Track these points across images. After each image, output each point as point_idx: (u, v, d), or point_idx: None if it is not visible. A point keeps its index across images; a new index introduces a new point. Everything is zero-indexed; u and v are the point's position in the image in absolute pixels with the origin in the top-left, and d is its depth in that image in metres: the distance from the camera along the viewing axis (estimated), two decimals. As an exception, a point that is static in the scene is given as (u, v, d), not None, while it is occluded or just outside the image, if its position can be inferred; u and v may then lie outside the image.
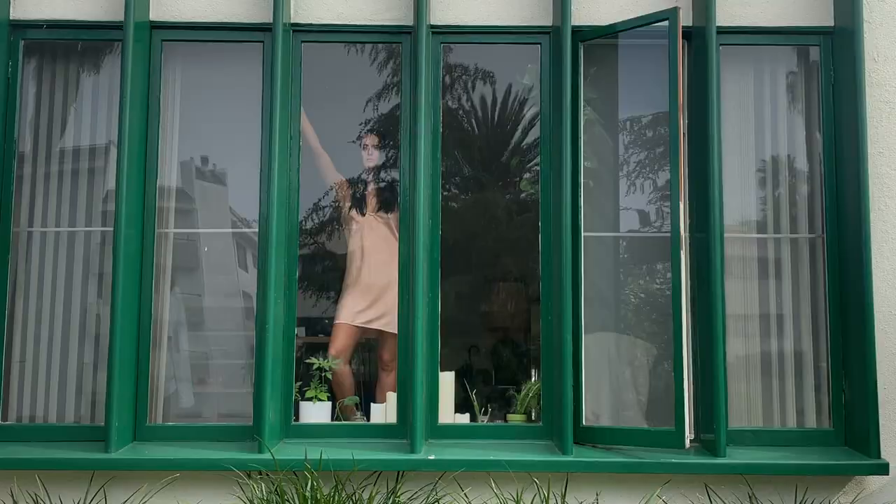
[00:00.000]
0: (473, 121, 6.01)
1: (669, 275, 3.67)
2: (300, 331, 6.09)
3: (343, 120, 5.15)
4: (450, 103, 5.61)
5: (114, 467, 3.58)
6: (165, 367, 4.03)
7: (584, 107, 3.94)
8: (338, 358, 4.54)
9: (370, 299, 4.71)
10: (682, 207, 3.65)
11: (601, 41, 4.00)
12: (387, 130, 5.04)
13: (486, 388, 5.44)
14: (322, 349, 4.71)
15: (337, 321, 4.77)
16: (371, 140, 4.93)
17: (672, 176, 3.67)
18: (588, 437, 3.78)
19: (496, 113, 5.97)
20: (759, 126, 4.11)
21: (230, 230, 4.68)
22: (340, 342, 4.69)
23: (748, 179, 4.09)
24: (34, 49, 4.10)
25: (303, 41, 4.03)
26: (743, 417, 3.95)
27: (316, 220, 5.78)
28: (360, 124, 5.24)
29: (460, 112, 5.93)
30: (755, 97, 4.11)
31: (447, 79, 4.86)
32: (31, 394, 3.99)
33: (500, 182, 6.12)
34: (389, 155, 4.92)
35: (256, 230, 3.90)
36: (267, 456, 3.50)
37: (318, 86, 4.16)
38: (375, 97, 5.29)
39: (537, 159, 4.04)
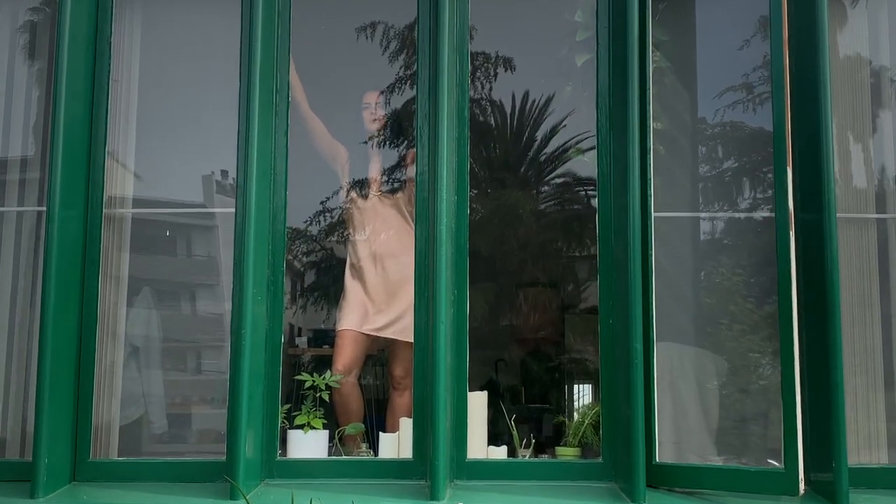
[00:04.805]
0: (509, 75, 5.40)
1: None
2: (301, 342, 5.49)
3: (341, 75, 4.54)
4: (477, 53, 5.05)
5: (39, 517, 2.90)
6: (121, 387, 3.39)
7: (652, 52, 3.27)
8: (347, 374, 3.93)
9: (379, 301, 4.09)
10: (790, 178, 2.94)
11: (673, -32, 3.37)
12: (397, 91, 4.50)
13: (515, 407, 5.01)
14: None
15: (340, 328, 4.11)
16: (374, 98, 4.30)
17: (775, 137, 2.96)
18: (663, 478, 3.07)
19: (539, 62, 5.32)
20: (875, 74, 3.46)
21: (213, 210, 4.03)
22: (349, 354, 4.05)
23: (858, 144, 3.44)
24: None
25: (291, -32, 3.39)
26: (861, 452, 3.25)
27: (314, 200, 5.17)
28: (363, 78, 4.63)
29: (489, 65, 5.36)
30: (870, 39, 3.48)
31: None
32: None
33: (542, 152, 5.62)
34: (400, 118, 4.32)
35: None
36: (241, 503, 2.87)
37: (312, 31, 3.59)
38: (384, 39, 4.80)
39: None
